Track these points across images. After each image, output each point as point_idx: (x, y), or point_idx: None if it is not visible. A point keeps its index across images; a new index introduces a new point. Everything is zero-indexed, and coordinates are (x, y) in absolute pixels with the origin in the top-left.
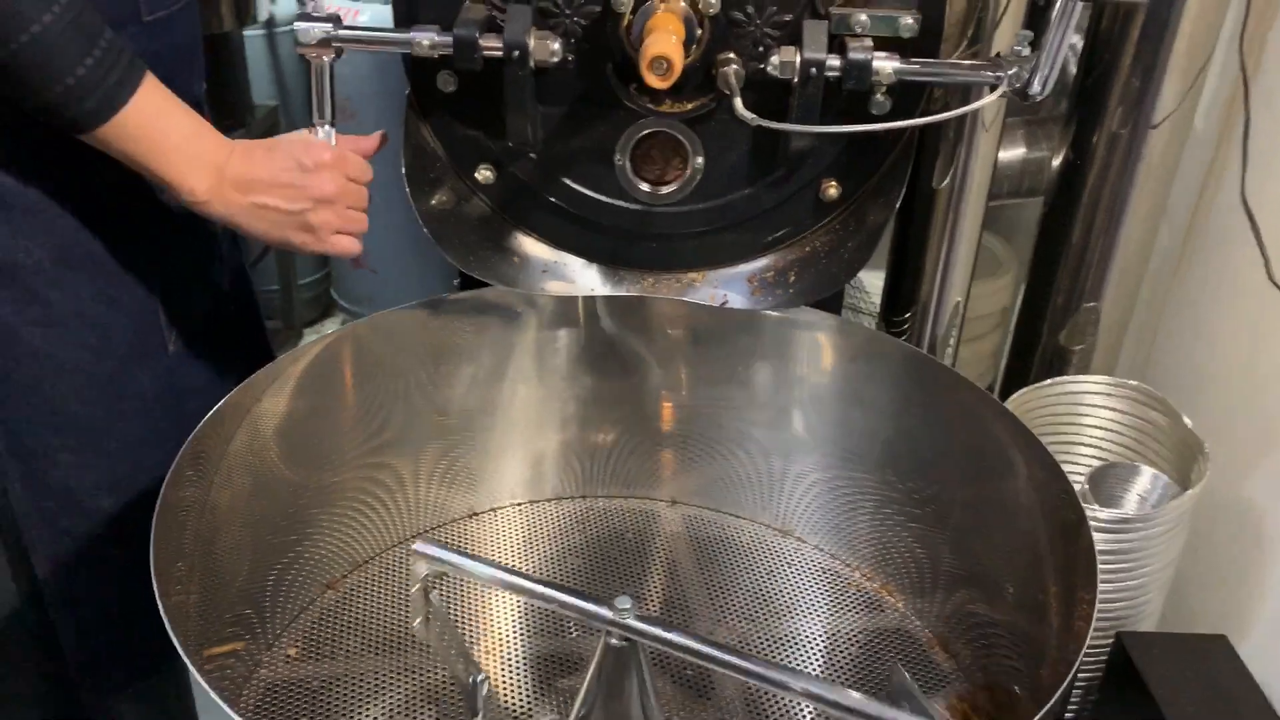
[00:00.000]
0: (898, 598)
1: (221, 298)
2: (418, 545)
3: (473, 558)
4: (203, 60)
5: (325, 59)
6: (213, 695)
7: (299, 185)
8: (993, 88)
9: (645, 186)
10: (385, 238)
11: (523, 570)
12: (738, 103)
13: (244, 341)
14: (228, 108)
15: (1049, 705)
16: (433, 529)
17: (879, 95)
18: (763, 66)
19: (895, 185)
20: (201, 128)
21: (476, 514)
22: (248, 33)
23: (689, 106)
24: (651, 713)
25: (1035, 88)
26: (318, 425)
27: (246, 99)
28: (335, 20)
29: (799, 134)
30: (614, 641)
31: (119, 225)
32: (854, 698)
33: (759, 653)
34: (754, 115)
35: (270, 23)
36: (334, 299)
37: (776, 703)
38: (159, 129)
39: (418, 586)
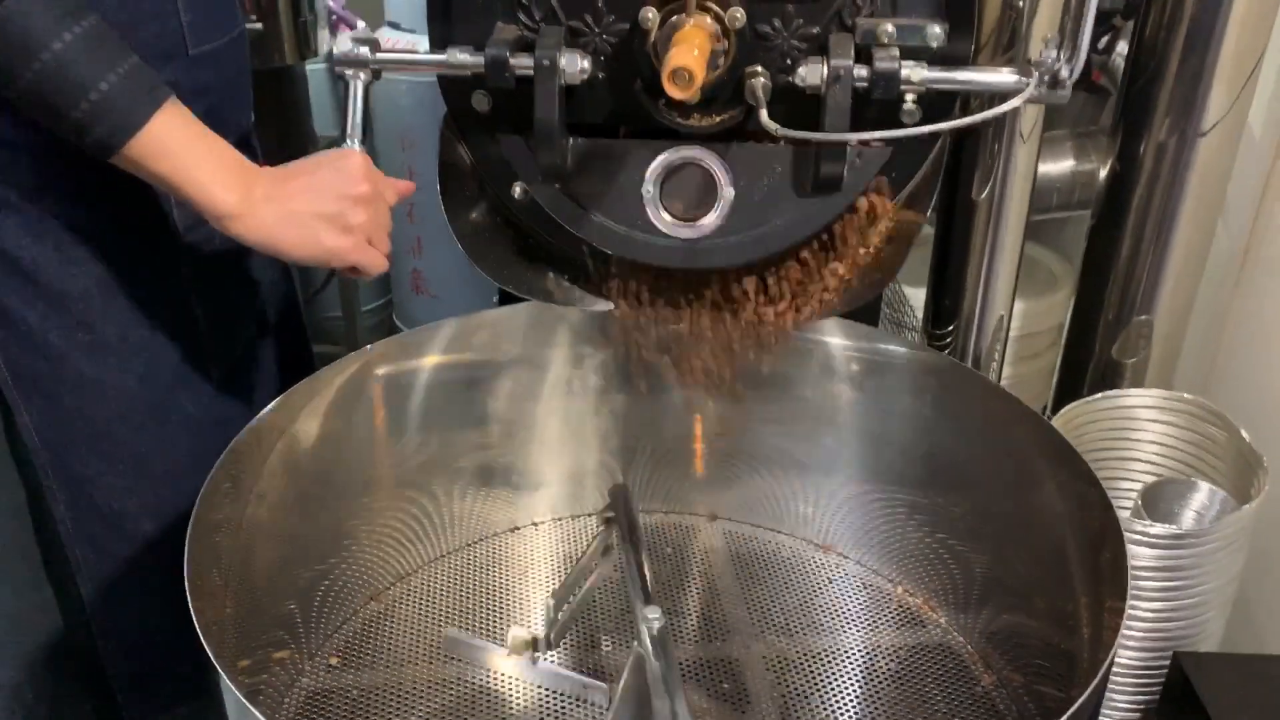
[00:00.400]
0: (939, 613)
1: (267, 326)
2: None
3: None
4: (251, 94)
5: (361, 79)
6: (241, 699)
7: (334, 185)
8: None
9: (671, 219)
10: (446, 262)
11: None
12: (763, 113)
13: (291, 368)
14: (289, 139)
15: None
16: (473, 543)
17: (908, 103)
18: (790, 79)
19: (926, 196)
20: (230, 150)
21: (517, 528)
22: (309, 66)
23: (717, 120)
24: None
25: (1063, 73)
26: (355, 442)
27: (308, 131)
28: (373, 43)
29: (831, 155)
30: (639, 650)
31: (164, 255)
32: None
33: (796, 668)
34: (778, 125)
35: (331, 56)
36: (396, 325)
37: (814, 715)
38: (186, 147)
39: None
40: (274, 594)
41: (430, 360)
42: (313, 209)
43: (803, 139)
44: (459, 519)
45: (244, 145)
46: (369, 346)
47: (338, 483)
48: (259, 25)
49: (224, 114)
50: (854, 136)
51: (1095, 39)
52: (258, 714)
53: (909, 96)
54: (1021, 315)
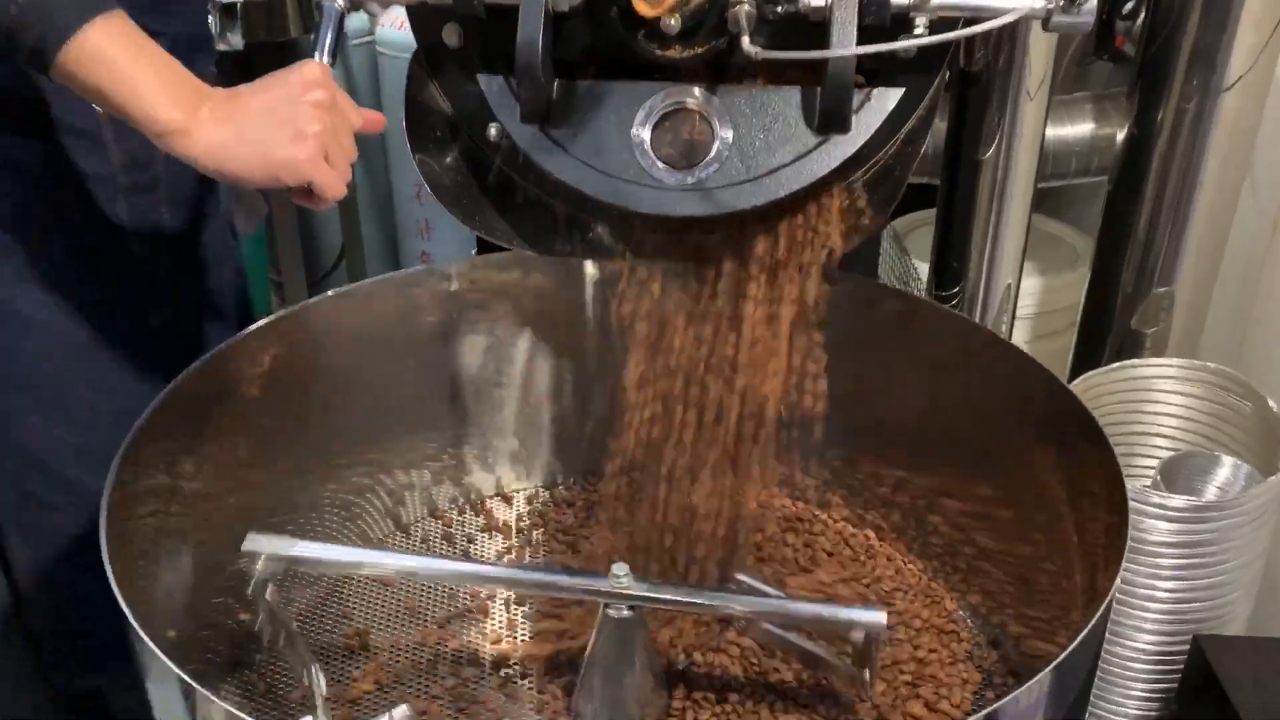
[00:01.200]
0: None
1: (209, 282)
2: (248, 540)
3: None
4: (212, 54)
5: (338, 4)
6: (155, 653)
7: (287, 93)
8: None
9: (663, 165)
10: (454, 244)
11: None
12: (745, 40)
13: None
14: None
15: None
16: (439, 513)
17: (919, 28)
18: (780, 8)
19: (920, 136)
20: (177, 65)
21: (504, 494)
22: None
23: (699, 50)
24: (653, 690)
25: None
26: (300, 399)
27: None
28: None
29: (834, 90)
30: (613, 613)
31: (100, 192)
32: None
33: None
34: (759, 49)
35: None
36: None
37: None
38: (128, 58)
39: (255, 582)
40: (212, 559)
41: (383, 314)
42: (263, 123)
43: (787, 59)
44: (424, 486)
45: None
46: (314, 299)
47: (283, 442)
48: None
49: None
50: (837, 53)
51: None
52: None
53: (919, 21)
54: (1040, 292)
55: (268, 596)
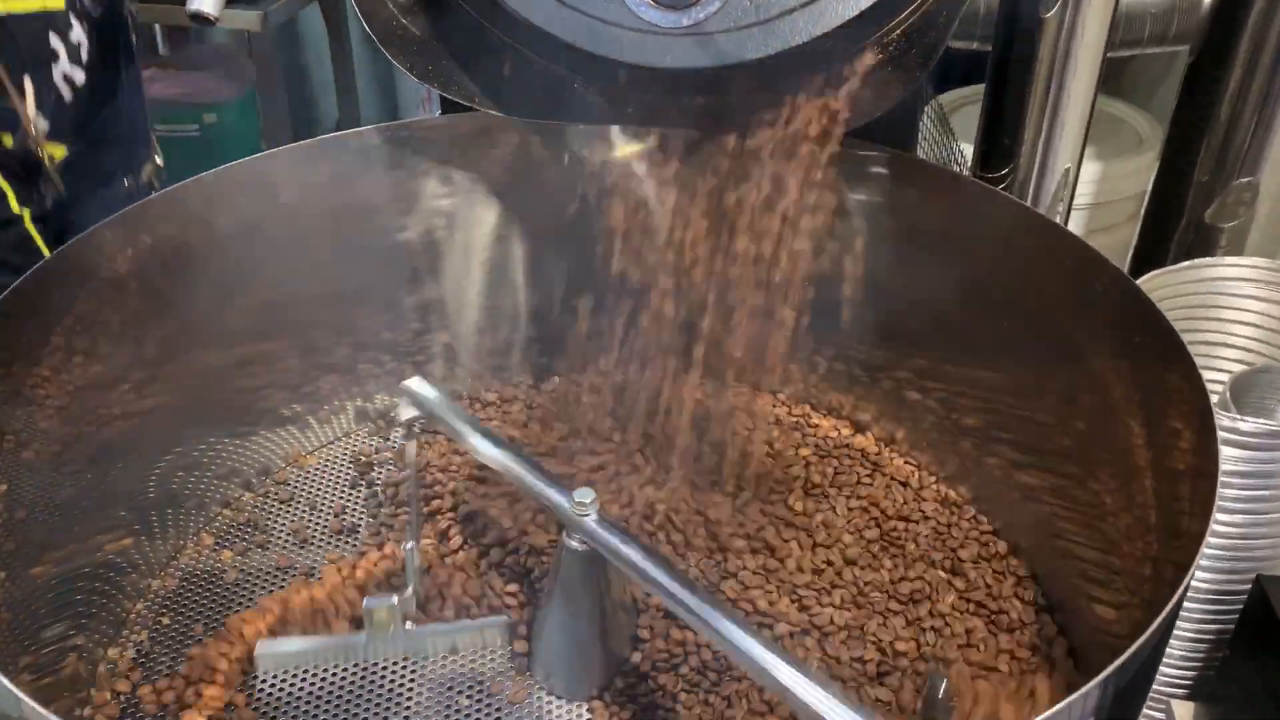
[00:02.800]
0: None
1: None
2: (408, 383)
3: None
4: None
5: None
6: None
7: None
8: None
9: (655, 4)
10: None
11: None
12: None
13: None
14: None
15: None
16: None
17: None
18: None
19: None
20: None
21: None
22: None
23: None
24: (616, 627)
25: None
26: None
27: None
28: None
29: None
30: (571, 544)
31: None
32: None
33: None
34: None
35: None
36: None
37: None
38: None
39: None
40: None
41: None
42: None
43: None
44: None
45: None
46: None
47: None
48: None
49: None
50: None
51: None
52: None
53: None
54: (1098, 179)
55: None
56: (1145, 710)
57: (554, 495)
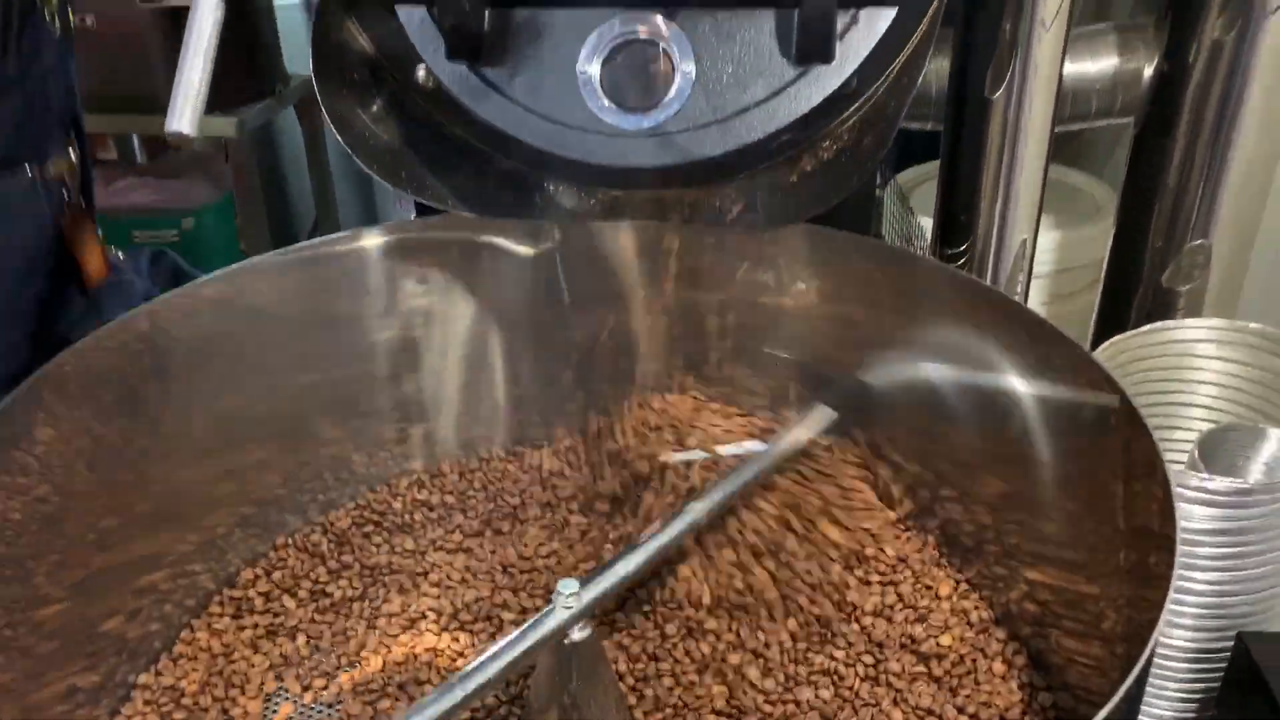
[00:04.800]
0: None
1: None
2: None
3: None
4: None
5: None
6: None
7: None
8: None
9: (617, 108)
10: None
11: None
12: None
13: None
14: (256, 75)
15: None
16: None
17: None
18: None
19: (917, 65)
20: None
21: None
22: (278, 3)
23: None
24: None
25: None
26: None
27: (277, 68)
28: None
29: (811, 14)
30: (576, 636)
31: None
32: None
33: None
34: None
35: None
36: None
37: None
38: None
39: None
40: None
41: (295, 293)
42: None
43: None
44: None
45: None
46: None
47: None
48: None
49: None
50: None
51: None
52: None
53: None
54: (1058, 248)
55: None
56: None
57: (541, 627)
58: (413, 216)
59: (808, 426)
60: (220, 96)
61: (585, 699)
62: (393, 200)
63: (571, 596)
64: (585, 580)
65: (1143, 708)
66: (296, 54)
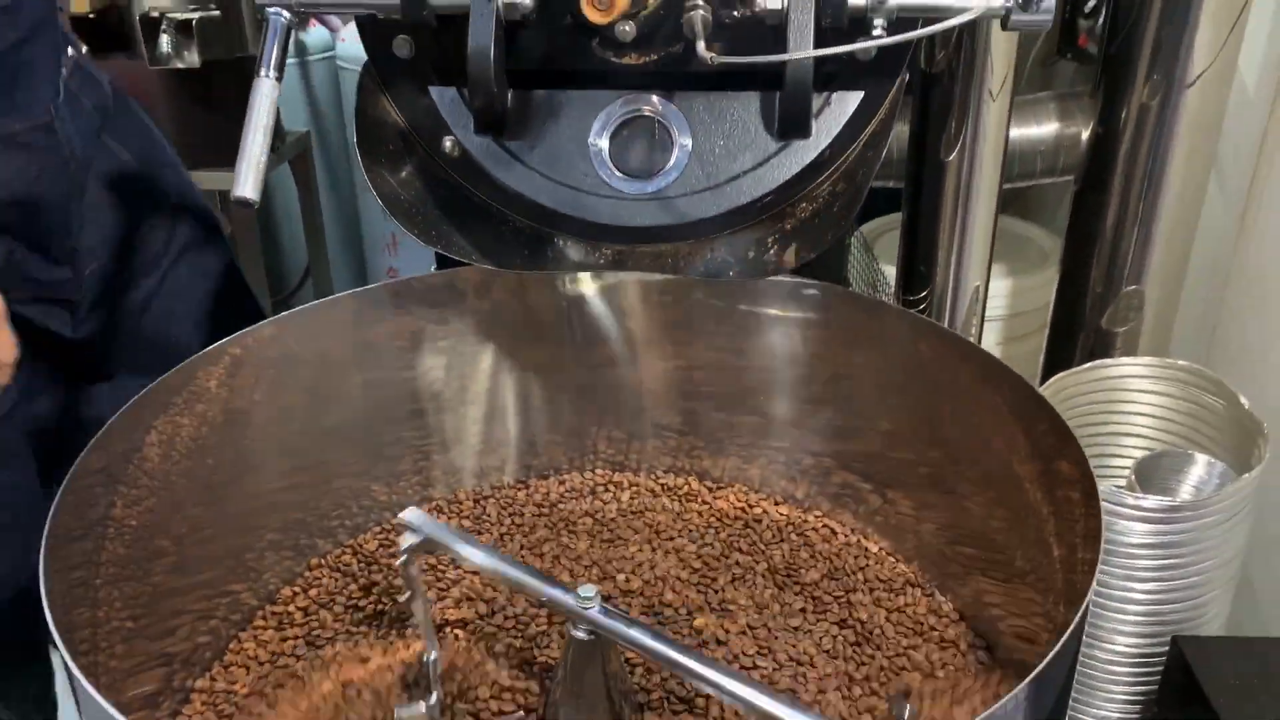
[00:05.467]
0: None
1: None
2: (405, 514)
3: (455, 533)
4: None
5: (284, 16)
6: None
7: None
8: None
9: (624, 176)
10: (422, 260)
11: (507, 555)
12: (700, 45)
13: None
14: None
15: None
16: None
17: (877, 29)
18: (736, 13)
19: (882, 139)
20: None
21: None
22: None
23: (656, 57)
24: (622, 712)
25: None
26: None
27: (275, 125)
28: None
29: (793, 94)
30: (578, 634)
31: None
32: None
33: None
34: (715, 54)
35: (302, 50)
36: None
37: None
38: None
39: (403, 558)
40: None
41: (340, 335)
42: None
43: (745, 65)
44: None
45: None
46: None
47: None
48: (218, 14)
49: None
50: (794, 56)
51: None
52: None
53: (877, 22)
54: (1009, 294)
55: (412, 570)
56: None
57: (558, 595)
58: (432, 269)
59: None
60: (220, 153)
61: (567, 696)
62: (382, 243)
63: (587, 599)
64: (605, 610)
65: (1092, 711)
66: (291, 112)
